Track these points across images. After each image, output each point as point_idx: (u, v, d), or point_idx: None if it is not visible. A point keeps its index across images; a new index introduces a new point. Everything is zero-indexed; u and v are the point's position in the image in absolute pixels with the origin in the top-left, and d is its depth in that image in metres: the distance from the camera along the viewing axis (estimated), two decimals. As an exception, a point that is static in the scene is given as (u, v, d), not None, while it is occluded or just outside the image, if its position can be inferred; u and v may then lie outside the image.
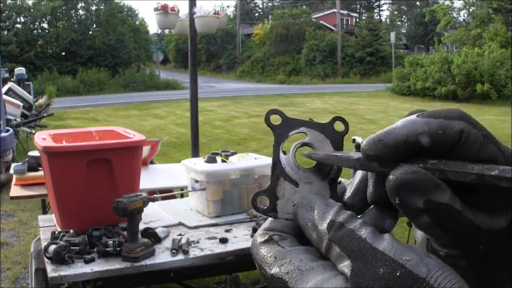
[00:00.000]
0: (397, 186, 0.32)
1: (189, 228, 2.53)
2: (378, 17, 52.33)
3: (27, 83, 11.70)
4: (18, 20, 30.41)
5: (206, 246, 2.27)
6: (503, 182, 0.29)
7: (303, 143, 0.44)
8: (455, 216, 0.32)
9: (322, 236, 0.36)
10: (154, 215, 2.71)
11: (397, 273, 0.31)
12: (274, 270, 0.37)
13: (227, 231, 2.48)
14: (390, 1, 57.79)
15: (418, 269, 0.31)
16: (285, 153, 0.44)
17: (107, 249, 2.10)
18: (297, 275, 0.35)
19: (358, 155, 0.37)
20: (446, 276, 0.30)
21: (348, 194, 0.42)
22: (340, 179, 0.44)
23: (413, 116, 0.34)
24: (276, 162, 0.43)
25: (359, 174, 0.42)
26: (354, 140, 3.25)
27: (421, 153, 0.33)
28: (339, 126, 0.45)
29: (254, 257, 0.40)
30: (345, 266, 0.33)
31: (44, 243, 2.19)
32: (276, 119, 0.44)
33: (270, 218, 0.42)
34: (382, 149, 0.34)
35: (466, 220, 0.32)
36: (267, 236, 0.40)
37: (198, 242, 2.32)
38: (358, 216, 0.37)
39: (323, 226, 0.36)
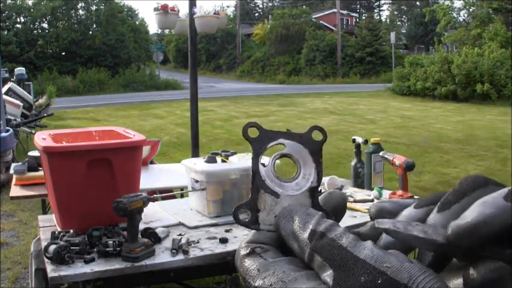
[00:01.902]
0: (482, 283, 0.32)
1: (189, 228, 2.53)
2: (378, 17, 52.34)
3: (27, 83, 11.69)
4: (18, 20, 30.41)
5: (206, 246, 2.27)
6: None
7: (282, 154, 0.44)
8: None
9: (304, 246, 0.36)
10: (154, 215, 2.70)
11: (379, 281, 0.31)
12: (258, 282, 0.37)
13: (227, 231, 2.48)
14: (390, 1, 57.80)
15: (399, 275, 0.31)
16: (264, 165, 0.44)
17: (107, 249, 2.10)
18: (280, 286, 0.35)
19: (441, 238, 0.34)
20: (428, 280, 0.30)
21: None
22: (320, 187, 0.44)
23: (501, 200, 0.33)
24: (256, 175, 0.43)
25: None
26: (354, 140, 3.25)
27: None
28: (317, 136, 0.45)
29: (238, 270, 0.40)
30: (328, 275, 0.33)
31: (44, 243, 2.19)
32: (253, 132, 0.44)
33: (251, 232, 0.42)
34: (476, 241, 0.32)
35: None
36: (250, 249, 0.40)
37: (198, 242, 2.31)
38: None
39: (304, 235, 0.37)
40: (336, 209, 0.40)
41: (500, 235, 0.32)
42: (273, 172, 0.44)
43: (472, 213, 0.33)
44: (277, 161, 0.46)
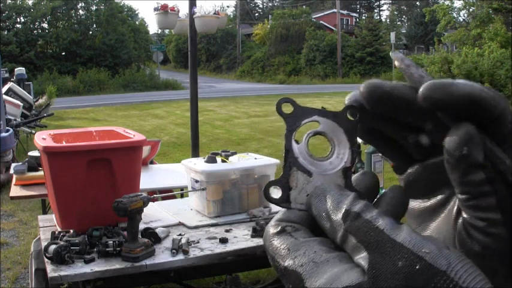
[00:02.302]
0: (466, 137, 0.32)
1: (189, 228, 2.53)
2: (378, 17, 52.32)
3: (27, 83, 11.71)
4: (18, 20, 30.41)
5: (206, 246, 2.27)
6: None
7: (316, 131, 0.44)
8: (507, 174, 0.32)
9: (337, 227, 0.35)
10: (154, 215, 2.71)
11: (417, 266, 0.30)
12: (288, 262, 0.36)
13: (227, 231, 2.48)
14: (390, 1, 57.81)
15: (438, 261, 0.30)
16: (297, 142, 0.43)
17: (107, 249, 2.10)
18: (311, 267, 0.34)
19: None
20: (466, 269, 0.30)
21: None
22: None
23: (468, 81, 0.34)
24: (288, 152, 0.42)
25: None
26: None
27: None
28: (351, 115, 0.44)
29: (267, 248, 0.39)
30: (362, 257, 0.32)
31: (44, 243, 2.19)
32: (287, 108, 0.44)
33: (282, 209, 0.42)
34: (444, 97, 0.33)
35: None
36: (280, 227, 0.38)
37: (198, 242, 2.31)
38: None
39: (338, 216, 0.35)
40: (369, 189, 0.40)
41: (467, 104, 0.33)
42: (307, 150, 0.43)
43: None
44: (311, 140, 0.46)
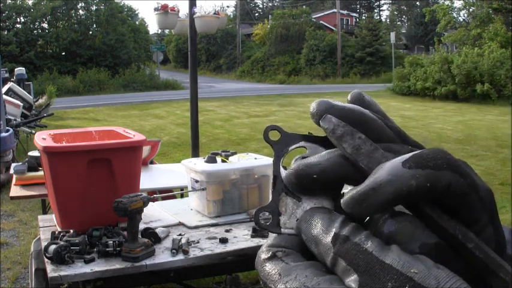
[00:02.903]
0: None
1: (189, 228, 2.53)
2: (378, 17, 52.33)
3: (27, 83, 11.70)
4: (18, 20, 30.41)
5: (206, 246, 2.27)
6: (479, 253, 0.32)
7: (303, 157, 0.44)
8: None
9: (327, 250, 0.35)
10: (154, 215, 2.71)
11: (406, 287, 0.30)
12: (280, 287, 0.36)
13: (227, 231, 2.48)
14: (390, 1, 57.81)
15: (427, 281, 0.30)
16: (285, 168, 0.44)
17: (107, 249, 2.10)
18: None
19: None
20: (457, 286, 0.30)
21: None
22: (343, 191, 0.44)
23: (399, 165, 0.33)
24: (277, 178, 0.43)
25: None
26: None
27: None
28: None
29: (259, 274, 0.39)
30: (352, 280, 0.33)
31: (44, 243, 2.19)
32: (274, 135, 0.44)
33: (271, 235, 0.42)
34: (366, 209, 0.33)
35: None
36: (271, 253, 0.39)
37: (198, 242, 2.32)
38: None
39: (327, 240, 0.36)
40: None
41: (394, 203, 0.33)
42: None
43: (367, 180, 0.33)
44: None
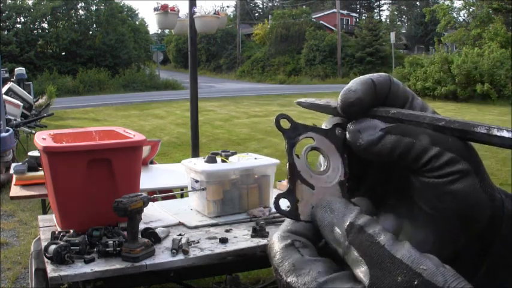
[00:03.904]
0: (354, 132, 0.39)
1: (189, 228, 2.53)
2: (378, 17, 52.32)
3: (27, 83, 11.71)
4: (18, 20, 30.41)
5: (206, 246, 2.27)
6: (448, 131, 0.36)
7: (312, 147, 0.45)
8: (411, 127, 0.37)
9: (341, 238, 0.36)
10: (154, 215, 2.71)
11: (415, 282, 0.32)
12: (291, 279, 0.37)
13: (227, 231, 2.48)
14: (390, 1, 57.80)
15: (435, 278, 0.31)
16: (297, 156, 0.45)
17: (107, 249, 2.10)
18: (314, 286, 0.36)
19: (335, 104, 0.42)
20: (462, 286, 0.31)
21: None
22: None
23: (361, 78, 0.40)
24: (292, 165, 0.44)
25: None
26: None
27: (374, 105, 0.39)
28: (339, 132, 0.46)
29: (271, 257, 0.40)
30: (362, 271, 0.34)
31: (44, 243, 2.19)
32: (284, 123, 0.45)
33: (289, 220, 0.43)
34: (354, 94, 0.39)
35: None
36: (289, 240, 0.40)
37: (198, 242, 2.31)
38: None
39: (342, 228, 0.37)
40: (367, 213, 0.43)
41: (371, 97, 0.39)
42: (307, 164, 0.45)
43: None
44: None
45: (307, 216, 0.42)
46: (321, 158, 0.46)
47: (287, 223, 0.42)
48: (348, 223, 0.37)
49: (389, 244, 0.34)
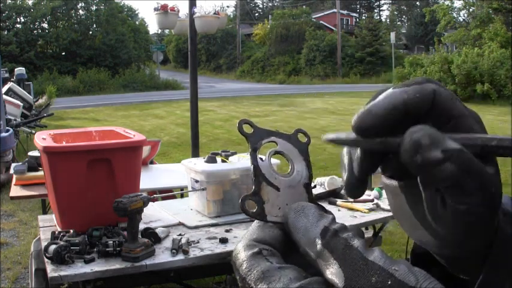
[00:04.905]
0: (414, 144, 0.33)
1: (189, 228, 2.53)
2: (378, 17, 52.32)
3: (27, 83, 11.70)
4: (18, 20, 30.39)
5: (206, 246, 2.27)
6: (501, 150, 0.33)
7: (276, 151, 0.47)
8: (472, 161, 0.33)
9: (315, 241, 0.37)
10: (154, 215, 2.71)
11: (388, 282, 0.32)
12: (261, 286, 0.37)
13: (227, 231, 2.48)
14: (390, 1, 57.78)
15: (407, 278, 0.32)
16: (261, 159, 0.46)
17: (107, 249, 2.10)
18: None
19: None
20: (433, 285, 0.32)
21: None
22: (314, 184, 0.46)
23: (390, 90, 0.36)
24: (256, 167, 0.45)
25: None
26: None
27: (403, 122, 0.35)
28: (302, 138, 0.48)
29: (237, 267, 0.40)
30: (335, 273, 0.35)
31: (44, 243, 2.19)
32: (247, 128, 0.47)
33: (254, 227, 0.44)
34: (372, 119, 0.35)
35: (482, 166, 0.33)
36: (257, 249, 0.41)
37: (198, 242, 2.32)
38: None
39: (316, 232, 0.38)
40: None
41: (398, 113, 0.35)
42: (271, 167, 0.46)
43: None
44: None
45: (274, 217, 0.43)
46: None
47: (252, 232, 0.43)
48: (322, 227, 0.38)
49: (362, 247, 0.35)
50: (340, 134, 0.39)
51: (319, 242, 0.37)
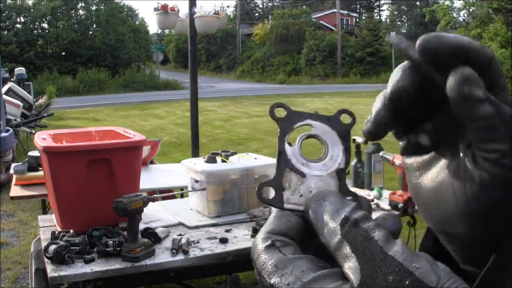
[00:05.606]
0: (465, 76, 0.33)
1: (189, 228, 2.53)
2: (378, 17, 52.32)
3: (27, 83, 11.70)
4: (18, 20, 30.40)
5: (206, 246, 2.27)
6: None
7: (309, 134, 0.44)
8: (508, 114, 0.32)
9: (334, 232, 0.36)
10: (154, 215, 2.70)
11: (406, 282, 0.30)
12: (275, 280, 0.36)
13: (227, 231, 2.48)
14: (390, 1, 57.77)
15: (427, 277, 0.30)
16: (290, 144, 0.44)
17: (107, 249, 2.10)
18: (298, 286, 0.35)
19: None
20: (457, 285, 0.30)
21: None
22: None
23: (458, 34, 0.36)
24: (281, 153, 0.43)
25: None
26: (354, 140, 3.25)
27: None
28: (345, 119, 0.45)
29: (254, 262, 0.39)
30: (352, 268, 0.33)
31: (44, 243, 2.19)
32: (280, 112, 0.44)
33: (270, 218, 0.42)
34: (441, 44, 0.35)
35: None
36: (270, 241, 0.39)
37: (198, 242, 2.31)
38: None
39: (336, 221, 0.36)
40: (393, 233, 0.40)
41: (463, 51, 0.35)
42: (300, 152, 0.44)
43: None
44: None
45: (295, 205, 0.41)
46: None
47: (268, 223, 0.41)
48: (343, 216, 0.36)
49: (383, 240, 0.33)
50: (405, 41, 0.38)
51: (338, 232, 0.35)
